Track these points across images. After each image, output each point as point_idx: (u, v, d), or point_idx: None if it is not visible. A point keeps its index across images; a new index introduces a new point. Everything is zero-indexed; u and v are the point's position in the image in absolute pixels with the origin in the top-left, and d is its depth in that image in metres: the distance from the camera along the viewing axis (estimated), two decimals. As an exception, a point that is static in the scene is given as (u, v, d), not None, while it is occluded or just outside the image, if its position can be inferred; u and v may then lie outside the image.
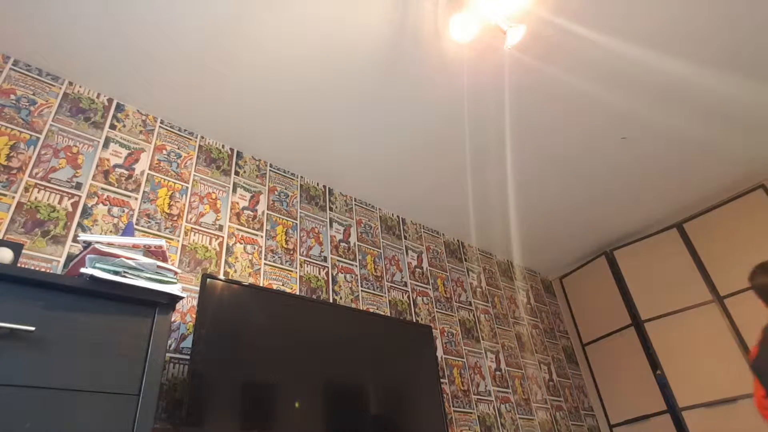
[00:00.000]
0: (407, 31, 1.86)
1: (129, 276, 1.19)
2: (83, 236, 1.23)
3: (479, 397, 2.57)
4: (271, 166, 2.46)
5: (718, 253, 2.88)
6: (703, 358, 2.74)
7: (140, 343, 1.15)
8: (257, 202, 2.28)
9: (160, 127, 2.13)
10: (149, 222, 1.86)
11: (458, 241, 3.25)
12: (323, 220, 2.51)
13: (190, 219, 1.99)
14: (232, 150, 2.34)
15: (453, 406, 2.39)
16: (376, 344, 2.02)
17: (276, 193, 2.39)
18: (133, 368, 1.11)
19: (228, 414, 1.47)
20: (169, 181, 2.02)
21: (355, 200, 2.77)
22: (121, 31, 1.76)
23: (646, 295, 3.09)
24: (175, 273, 1.28)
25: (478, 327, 2.88)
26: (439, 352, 2.53)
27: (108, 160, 1.88)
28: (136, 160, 1.97)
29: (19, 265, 1.28)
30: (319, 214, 2.51)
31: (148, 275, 1.22)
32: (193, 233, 1.96)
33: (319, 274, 2.29)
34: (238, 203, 2.19)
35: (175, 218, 1.94)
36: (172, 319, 1.70)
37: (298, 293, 2.13)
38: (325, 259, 2.37)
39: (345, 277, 2.39)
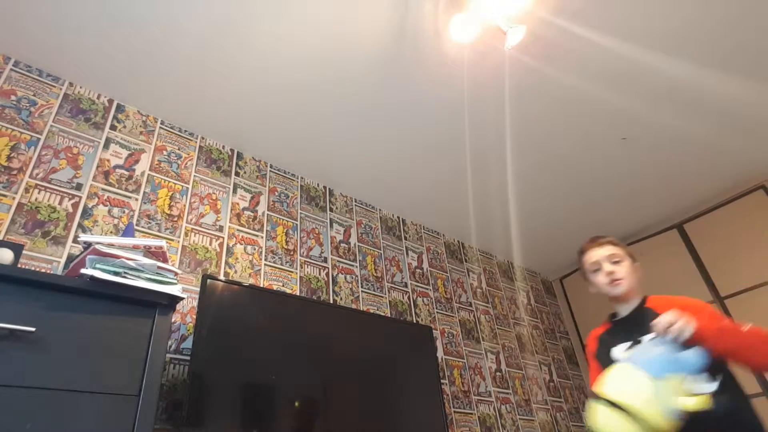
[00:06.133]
0: (407, 31, 1.86)
1: (129, 277, 1.19)
2: (83, 237, 1.23)
3: (479, 397, 2.56)
4: (271, 166, 2.46)
5: (718, 254, 2.88)
6: (704, 359, 2.74)
7: (140, 343, 1.15)
8: (257, 203, 2.28)
9: (160, 127, 2.13)
10: (149, 223, 1.86)
11: (458, 241, 3.25)
12: (323, 220, 2.51)
13: (191, 220, 1.99)
14: (232, 151, 2.34)
15: (453, 407, 2.39)
16: (377, 345, 2.02)
17: (276, 193, 2.39)
18: (133, 369, 1.11)
19: (228, 414, 1.47)
20: (169, 181, 2.02)
21: (355, 201, 2.77)
22: (121, 32, 1.76)
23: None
24: (176, 274, 1.28)
25: (478, 328, 2.88)
26: (440, 353, 2.53)
27: (108, 160, 1.88)
28: (137, 161, 1.97)
29: (19, 265, 1.28)
30: (319, 214, 2.51)
31: (149, 276, 1.22)
32: (193, 234, 1.96)
33: (320, 274, 2.29)
34: (238, 204, 2.19)
35: (176, 219, 1.94)
36: (173, 320, 1.69)
37: (298, 294, 2.13)
38: (325, 260, 2.36)
39: (345, 278, 2.39)
